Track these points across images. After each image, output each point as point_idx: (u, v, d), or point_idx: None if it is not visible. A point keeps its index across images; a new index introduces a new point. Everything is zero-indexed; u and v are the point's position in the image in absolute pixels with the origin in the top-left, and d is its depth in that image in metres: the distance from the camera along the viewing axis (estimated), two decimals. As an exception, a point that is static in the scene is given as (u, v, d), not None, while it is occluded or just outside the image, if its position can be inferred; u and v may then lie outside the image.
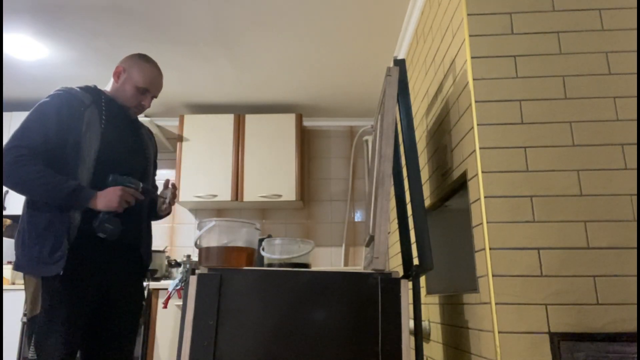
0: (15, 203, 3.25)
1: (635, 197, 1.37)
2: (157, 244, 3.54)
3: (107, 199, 1.53)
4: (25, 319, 2.79)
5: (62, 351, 1.46)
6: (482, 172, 1.43)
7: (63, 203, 1.51)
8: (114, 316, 1.65)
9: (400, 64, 1.61)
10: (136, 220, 1.71)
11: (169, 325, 2.86)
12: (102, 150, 1.60)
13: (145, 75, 1.72)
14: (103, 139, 1.61)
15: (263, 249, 1.55)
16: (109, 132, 1.64)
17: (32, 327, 1.48)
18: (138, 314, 1.74)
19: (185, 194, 3.37)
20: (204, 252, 1.40)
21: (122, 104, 1.73)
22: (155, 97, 1.78)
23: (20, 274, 3.06)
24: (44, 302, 1.48)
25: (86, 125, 1.59)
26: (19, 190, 1.51)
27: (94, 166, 1.58)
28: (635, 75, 1.47)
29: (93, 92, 1.69)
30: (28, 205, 1.57)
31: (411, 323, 1.91)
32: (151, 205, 1.82)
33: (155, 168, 1.91)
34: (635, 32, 1.51)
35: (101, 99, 1.69)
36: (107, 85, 1.76)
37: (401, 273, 2.26)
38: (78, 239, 1.52)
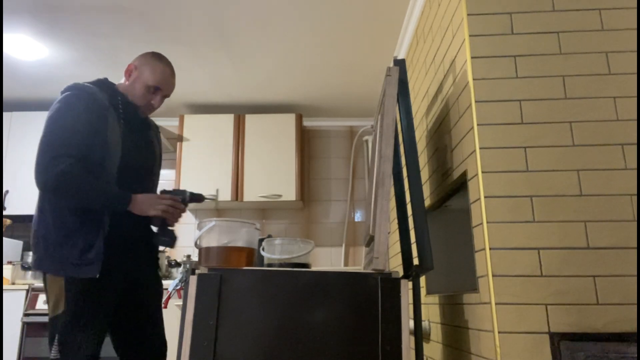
0: (15, 203, 3.25)
1: (635, 197, 1.37)
2: (157, 244, 3.54)
3: (143, 204, 1.56)
4: (25, 319, 2.80)
5: (87, 350, 1.46)
6: (482, 172, 1.43)
7: (107, 208, 1.54)
8: (140, 305, 1.67)
9: (400, 64, 1.61)
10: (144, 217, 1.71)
11: (169, 325, 2.85)
12: (124, 153, 1.61)
13: (156, 74, 1.69)
14: (124, 142, 1.62)
15: (263, 249, 1.55)
16: (128, 134, 1.65)
17: (54, 327, 1.48)
18: (160, 297, 1.78)
19: (185, 194, 3.37)
20: (204, 252, 1.40)
21: (133, 103, 1.71)
22: (167, 96, 1.76)
23: (21, 274, 3.08)
24: (68, 301, 1.47)
25: (110, 129, 1.58)
26: (74, 200, 1.50)
27: (118, 169, 1.58)
28: (635, 75, 1.47)
29: (108, 90, 1.67)
30: (52, 206, 1.54)
31: (411, 323, 1.91)
32: None
33: (160, 166, 1.92)
34: (635, 32, 1.51)
35: (117, 99, 1.67)
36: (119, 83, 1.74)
37: (401, 273, 2.26)
38: (107, 241, 1.54)
